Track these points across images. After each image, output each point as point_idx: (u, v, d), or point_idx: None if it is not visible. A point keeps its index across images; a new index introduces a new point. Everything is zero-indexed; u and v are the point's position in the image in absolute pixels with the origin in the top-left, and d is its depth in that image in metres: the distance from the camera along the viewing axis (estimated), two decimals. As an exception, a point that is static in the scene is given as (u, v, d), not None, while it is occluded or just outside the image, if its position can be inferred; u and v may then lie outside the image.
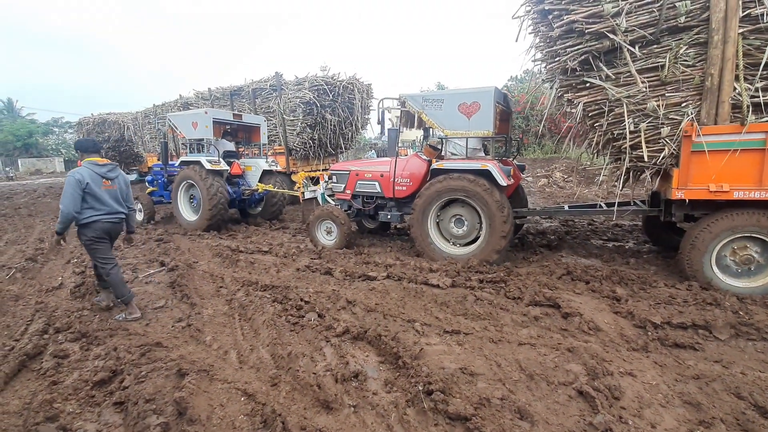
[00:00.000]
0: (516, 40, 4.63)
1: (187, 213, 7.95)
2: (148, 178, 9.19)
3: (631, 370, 2.67)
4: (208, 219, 7.38)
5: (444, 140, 5.55)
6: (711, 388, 2.51)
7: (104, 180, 3.78)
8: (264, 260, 5.57)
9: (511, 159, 6.11)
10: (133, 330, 3.61)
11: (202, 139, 7.83)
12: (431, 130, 6.21)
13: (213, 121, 7.72)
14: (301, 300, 3.99)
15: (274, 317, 3.71)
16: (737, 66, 3.75)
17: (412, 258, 5.50)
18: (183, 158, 8.00)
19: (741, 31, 3.69)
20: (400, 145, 5.96)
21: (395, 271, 4.79)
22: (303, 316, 3.69)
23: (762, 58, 3.66)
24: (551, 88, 4.90)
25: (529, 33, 4.58)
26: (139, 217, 8.52)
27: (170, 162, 8.64)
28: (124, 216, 3.96)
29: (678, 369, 2.74)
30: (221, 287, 4.62)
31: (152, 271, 5.27)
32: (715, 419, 2.21)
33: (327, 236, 6.21)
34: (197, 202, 7.71)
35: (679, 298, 3.85)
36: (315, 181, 7.46)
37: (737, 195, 3.91)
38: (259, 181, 8.16)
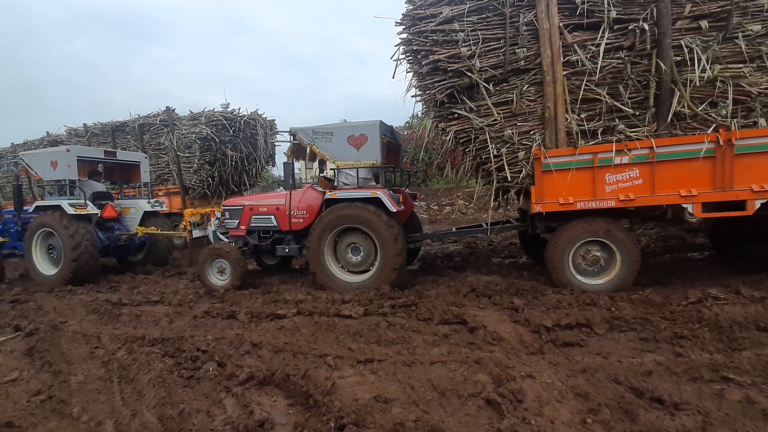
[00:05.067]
0: (393, 77, 5.12)
1: (43, 266, 6.77)
2: None
3: (531, 373, 2.84)
4: (70, 271, 6.34)
5: (336, 171, 5.68)
6: (596, 378, 2.78)
7: None
8: (153, 311, 4.91)
9: (403, 188, 6.42)
10: (-30, 415, 2.84)
11: (64, 181, 6.84)
12: (326, 162, 6.32)
13: (78, 160, 6.80)
14: (198, 350, 3.56)
15: (164, 374, 3.22)
16: (566, 101, 4.54)
17: (324, 291, 5.33)
18: (39, 203, 6.88)
19: (565, 73, 4.50)
20: (308, 181, 5.94)
21: (306, 307, 4.58)
22: (199, 368, 3.27)
23: (581, 95, 4.48)
24: (428, 119, 5.42)
25: (407, 72, 5.09)
26: None
27: (25, 207, 7.35)
28: None
29: (568, 365, 2.99)
30: (96, 348, 3.93)
31: (2, 339, 4.28)
32: (601, 405, 2.43)
33: (220, 276, 5.75)
34: (57, 253, 6.61)
35: (565, 302, 4.29)
36: (206, 218, 6.92)
37: (580, 206, 4.60)
38: (140, 224, 7.32)
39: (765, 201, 4.18)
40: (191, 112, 9.61)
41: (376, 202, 5.17)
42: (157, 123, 9.73)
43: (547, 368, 2.93)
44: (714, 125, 4.27)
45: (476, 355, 3.21)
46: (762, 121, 4.22)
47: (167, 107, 9.65)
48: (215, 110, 9.61)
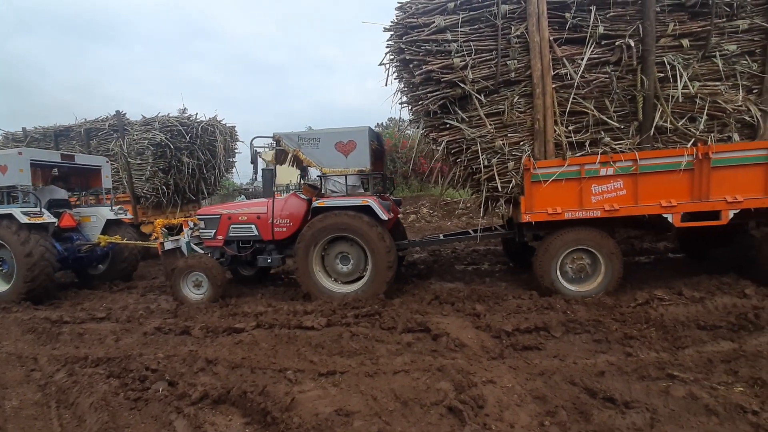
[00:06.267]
0: (386, 84, 5.12)
1: None
2: None
3: (492, 378, 2.87)
4: (26, 286, 5.80)
5: (323, 178, 5.55)
6: (553, 380, 2.86)
7: None
8: (98, 329, 4.57)
9: (388, 195, 6.40)
10: None
11: (15, 187, 6.28)
12: (308, 169, 6.17)
13: (31, 164, 6.27)
14: (147, 369, 3.34)
15: (108, 396, 2.99)
16: (555, 113, 4.66)
17: (285, 302, 5.18)
18: None
19: (554, 85, 4.61)
20: (274, 189, 5.69)
21: (266, 319, 4.44)
22: (148, 388, 3.07)
23: (569, 107, 4.62)
24: (417, 128, 5.40)
25: (394, 79, 5.08)
26: None
27: None
28: None
29: (527, 369, 3.06)
30: (33, 370, 3.61)
31: None
32: (558, 407, 2.49)
33: (196, 290, 5.46)
34: (8, 267, 6.03)
35: (524, 306, 4.40)
36: (178, 229, 6.53)
37: (567, 215, 4.73)
38: (103, 233, 6.83)
39: (737, 211, 4.46)
40: (144, 117, 9.16)
41: (367, 209, 5.09)
42: (105, 128, 9.17)
43: (507, 373, 2.98)
44: (693, 139, 4.50)
45: (439, 362, 3.21)
46: (736, 136, 4.50)
47: (117, 111, 9.13)
48: (170, 115, 9.20)
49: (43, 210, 6.23)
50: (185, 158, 9.23)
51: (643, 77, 4.43)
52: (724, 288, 4.52)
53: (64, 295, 6.33)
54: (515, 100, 4.70)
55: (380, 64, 5.02)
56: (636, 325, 3.76)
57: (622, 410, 2.48)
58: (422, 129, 5.12)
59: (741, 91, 4.42)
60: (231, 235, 5.75)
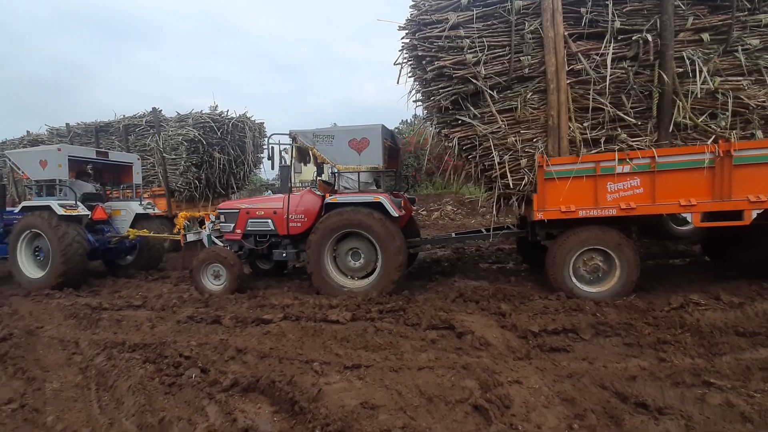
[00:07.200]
0: (397, 83, 5.12)
1: (29, 269, 6.56)
2: None
3: (518, 378, 2.84)
4: (59, 275, 6.18)
5: (336, 175, 5.63)
6: (582, 383, 2.80)
7: None
8: (135, 316, 4.79)
9: (402, 192, 6.41)
10: (-66, 425, 2.71)
11: (54, 181, 6.67)
12: (324, 166, 6.27)
13: (69, 159, 6.66)
14: (180, 356, 3.47)
15: (144, 380, 3.13)
16: (569, 109, 4.56)
17: (311, 296, 5.27)
18: (26, 203, 6.68)
19: (569, 81, 4.52)
20: (298, 184, 5.83)
21: (293, 311, 4.53)
22: (182, 374, 3.20)
23: (584, 104, 4.51)
24: (431, 125, 5.38)
25: (409, 77, 5.07)
26: None
27: (8, 209, 7.13)
28: None
29: (555, 370, 3.01)
30: (74, 354, 3.81)
31: (-27, 346, 4.11)
32: (587, 411, 2.44)
33: (215, 281, 5.66)
34: (44, 255, 6.42)
35: (551, 307, 4.31)
36: (200, 222, 6.80)
37: (581, 213, 4.62)
38: (132, 227, 7.19)
39: (761, 211, 4.25)
40: (178, 114, 9.49)
41: (378, 206, 5.13)
42: (143, 124, 9.57)
43: (534, 374, 2.94)
44: (713, 136, 4.32)
45: (464, 360, 3.20)
46: (759, 133, 4.30)
47: (154, 108, 9.50)
48: (203, 112, 9.50)
49: (78, 203, 6.61)
50: (216, 154, 9.53)
51: (661, 72, 4.26)
52: (765, 293, 4.30)
53: (103, 284, 6.67)
54: (528, 96, 4.62)
55: (395, 64, 5.04)
56: (670, 329, 3.63)
57: (656, 416, 2.40)
58: (435, 125, 5.11)
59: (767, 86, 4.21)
60: (249, 229, 5.93)
